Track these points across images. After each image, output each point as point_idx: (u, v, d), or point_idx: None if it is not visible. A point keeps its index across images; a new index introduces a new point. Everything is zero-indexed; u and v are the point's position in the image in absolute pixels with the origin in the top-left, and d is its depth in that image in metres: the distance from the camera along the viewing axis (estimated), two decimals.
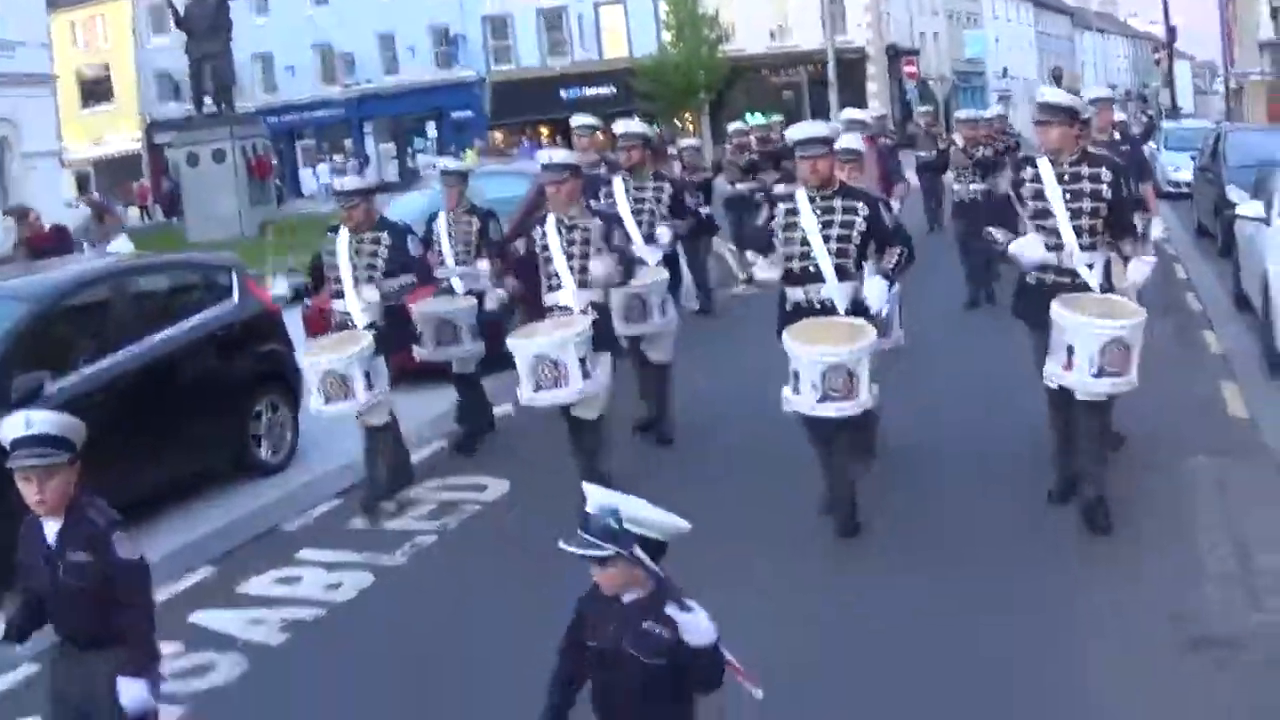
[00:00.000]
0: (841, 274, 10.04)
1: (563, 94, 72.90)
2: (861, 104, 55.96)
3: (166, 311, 12.99)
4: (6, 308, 11.51)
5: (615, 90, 72.54)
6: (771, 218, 10.46)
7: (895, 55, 76.97)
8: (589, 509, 5.00)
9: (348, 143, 76.36)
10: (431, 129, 76.56)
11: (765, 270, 10.49)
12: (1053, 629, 7.94)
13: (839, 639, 8.19)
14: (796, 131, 10.67)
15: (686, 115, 68.41)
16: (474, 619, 9.10)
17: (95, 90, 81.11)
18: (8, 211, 31.27)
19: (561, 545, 4.96)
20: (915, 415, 12.34)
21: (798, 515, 10.26)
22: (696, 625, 4.98)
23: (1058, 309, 9.38)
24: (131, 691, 6.02)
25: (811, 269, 10.09)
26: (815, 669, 7.64)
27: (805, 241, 10.08)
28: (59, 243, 19.29)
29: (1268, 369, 14.04)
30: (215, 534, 11.70)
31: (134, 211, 68.06)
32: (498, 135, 73.86)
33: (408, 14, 76.38)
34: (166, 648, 8.76)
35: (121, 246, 19.21)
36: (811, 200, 10.15)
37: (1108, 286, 9.87)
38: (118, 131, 79.98)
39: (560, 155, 11.79)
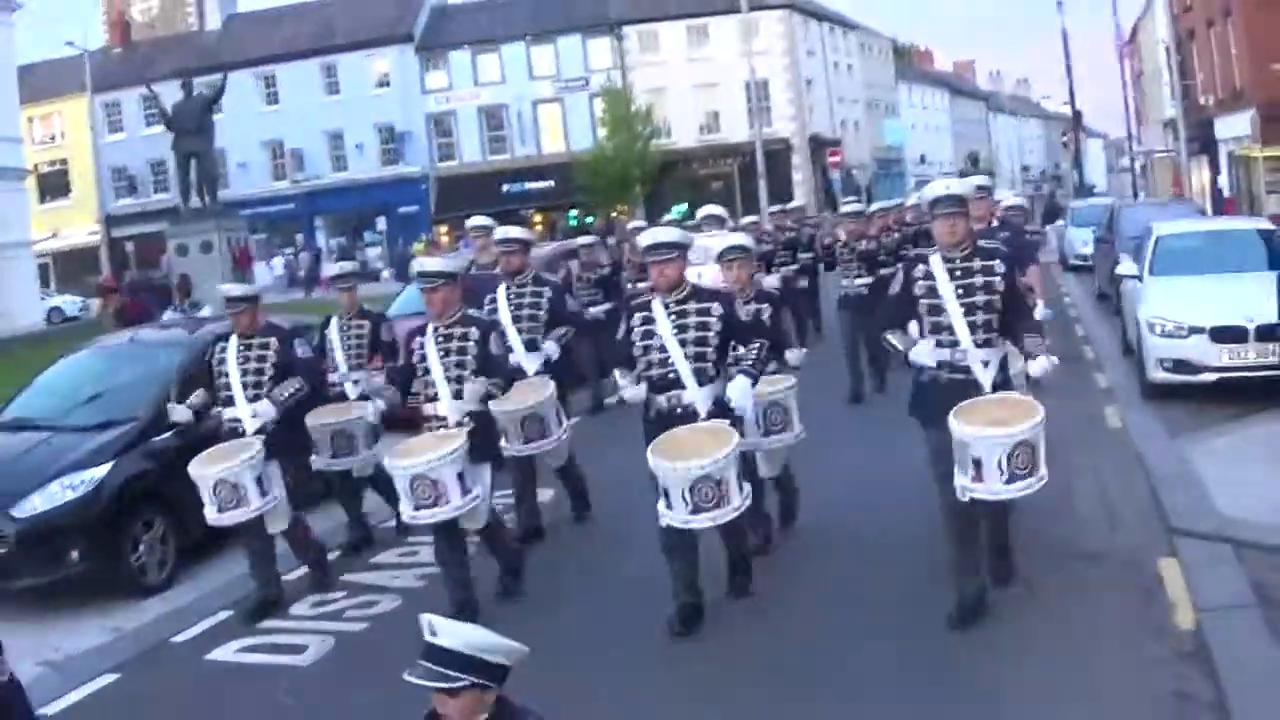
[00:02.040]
0: (701, 378, 10.07)
1: (505, 188, 76.61)
2: (787, 192, 59.81)
3: None
4: (171, 353, 14.91)
5: (555, 184, 76.45)
6: (630, 329, 10.42)
7: (818, 145, 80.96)
8: (439, 641, 5.06)
9: (299, 237, 78.73)
10: (381, 223, 79.55)
11: (631, 391, 10.40)
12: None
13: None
14: (646, 238, 10.66)
15: (622, 207, 71.18)
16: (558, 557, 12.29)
17: (52, 184, 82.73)
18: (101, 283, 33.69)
19: (409, 677, 5.06)
20: (815, 508, 12.67)
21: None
22: None
23: (956, 425, 9.16)
24: None
25: (671, 375, 10.12)
26: None
27: (663, 348, 10.13)
28: (145, 312, 22.49)
29: (1140, 393, 17.66)
30: (336, 527, 14.38)
31: (97, 304, 69.34)
32: (442, 230, 77.04)
33: (355, 113, 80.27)
34: (333, 594, 12.11)
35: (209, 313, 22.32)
36: (666, 306, 10.19)
37: (1003, 382, 9.72)
38: (74, 225, 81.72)
39: (434, 264, 11.53)
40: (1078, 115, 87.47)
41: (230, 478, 11.39)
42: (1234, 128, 50.84)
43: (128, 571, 12.77)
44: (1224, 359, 16.65)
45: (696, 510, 9.49)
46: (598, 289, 20.60)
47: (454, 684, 4.98)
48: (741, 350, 10.24)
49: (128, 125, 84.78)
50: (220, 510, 11.49)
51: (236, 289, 12.71)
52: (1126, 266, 20.23)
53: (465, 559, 11.02)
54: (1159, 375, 17.33)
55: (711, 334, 10.10)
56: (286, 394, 12.07)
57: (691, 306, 10.18)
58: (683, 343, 10.07)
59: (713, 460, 9.41)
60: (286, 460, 12.12)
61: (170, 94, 45.35)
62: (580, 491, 13.83)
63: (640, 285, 20.20)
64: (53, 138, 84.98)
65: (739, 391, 9.91)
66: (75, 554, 12.47)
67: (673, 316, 10.15)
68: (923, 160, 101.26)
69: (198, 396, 12.48)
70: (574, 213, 74.22)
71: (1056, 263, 39.09)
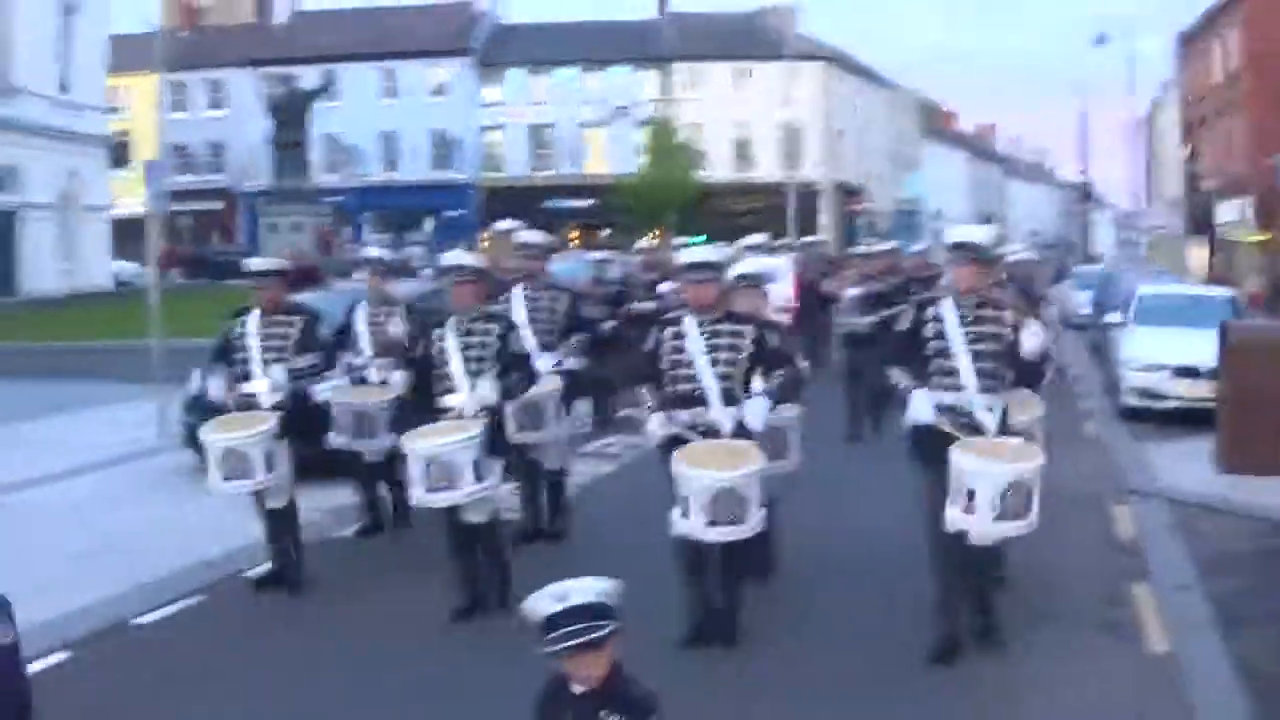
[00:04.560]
0: (727, 398, 9.97)
1: (547, 203, 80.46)
2: (813, 231, 63.77)
3: None
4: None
5: (594, 203, 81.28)
6: (658, 343, 10.28)
7: (844, 191, 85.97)
8: (575, 601, 4.92)
9: (345, 230, 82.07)
10: (429, 224, 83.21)
11: (658, 426, 10.12)
12: None
13: None
14: (686, 255, 10.63)
15: (656, 231, 74.02)
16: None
17: (114, 155, 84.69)
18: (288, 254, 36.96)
19: (553, 649, 4.93)
20: (806, 541, 12.52)
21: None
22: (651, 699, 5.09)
23: (958, 454, 9.19)
24: None
25: (697, 393, 9.99)
26: None
27: (691, 365, 10.02)
28: (313, 276, 26.41)
29: (1116, 414, 22.35)
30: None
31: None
32: (484, 236, 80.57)
33: (410, 117, 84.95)
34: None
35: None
36: (700, 324, 10.08)
37: (1004, 429, 9.74)
38: (131, 195, 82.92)
39: (467, 258, 11.59)
40: (1087, 189, 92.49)
41: (239, 448, 11.53)
42: (1230, 212, 55.55)
43: None
44: (1182, 391, 21.21)
45: (713, 523, 9.40)
46: (604, 306, 20.21)
47: (605, 631, 4.95)
48: (764, 378, 10.20)
49: (191, 106, 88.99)
50: (226, 479, 11.62)
51: (261, 263, 12.79)
52: (1113, 316, 25.16)
53: (476, 554, 11.09)
54: (1131, 401, 21.95)
55: (742, 355, 10.05)
56: (303, 363, 12.18)
57: (725, 327, 10.14)
58: (714, 361, 9.99)
59: (741, 473, 9.43)
60: (296, 440, 12.09)
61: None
62: (554, 508, 13.72)
63: (644, 305, 20.74)
64: (116, 110, 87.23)
65: (754, 411, 9.98)
66: None
67: (705, 335, 10.07)
68: (939, 215, 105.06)
69: (222, 375, 12.31)
70: (607, 232, 78.48)
71: (1058, 320, 43.33)
